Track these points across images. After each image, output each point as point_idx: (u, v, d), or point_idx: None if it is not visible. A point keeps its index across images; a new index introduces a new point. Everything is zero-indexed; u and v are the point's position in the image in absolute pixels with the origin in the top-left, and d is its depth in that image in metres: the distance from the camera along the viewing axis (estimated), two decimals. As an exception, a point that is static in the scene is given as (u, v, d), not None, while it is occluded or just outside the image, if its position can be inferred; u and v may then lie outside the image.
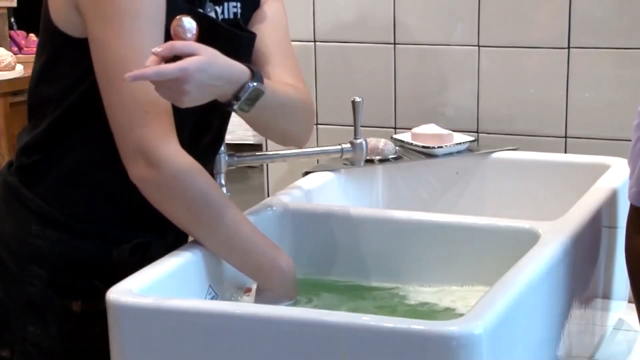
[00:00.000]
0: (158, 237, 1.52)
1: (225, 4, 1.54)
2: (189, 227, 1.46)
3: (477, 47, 2.25)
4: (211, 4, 1.51)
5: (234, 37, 1.53)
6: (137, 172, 1.39)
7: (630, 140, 1.53)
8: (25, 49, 4.42)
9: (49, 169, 1.49)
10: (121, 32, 1.35)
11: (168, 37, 1.34)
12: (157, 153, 1.37)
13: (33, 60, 1.53)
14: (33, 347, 1.50)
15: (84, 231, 1.49)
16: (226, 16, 1.54)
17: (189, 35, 1.31)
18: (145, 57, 1.29)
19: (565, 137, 2.22)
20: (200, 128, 1.54)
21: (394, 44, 2.32)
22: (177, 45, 1.29)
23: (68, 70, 1.46)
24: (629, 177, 1.52)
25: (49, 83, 1.48)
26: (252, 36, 1.56)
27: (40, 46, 1.51)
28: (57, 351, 1.50)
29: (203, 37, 1.44)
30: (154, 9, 1.38)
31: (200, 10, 1.48)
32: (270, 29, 1.60)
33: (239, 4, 1.56)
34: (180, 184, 1.39)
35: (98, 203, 1.50)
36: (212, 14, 1.51)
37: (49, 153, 1.48)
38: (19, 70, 3.93)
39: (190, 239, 1.53)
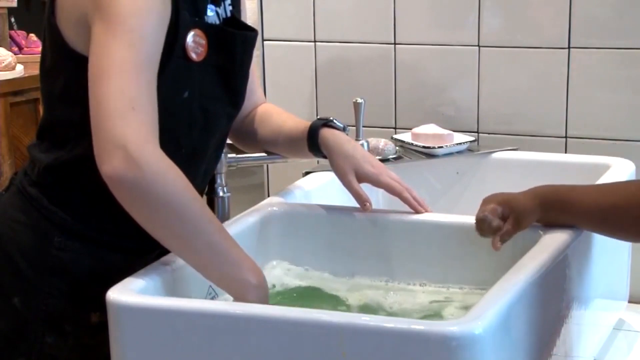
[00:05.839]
0: None
1: (223, 3, 1.55)
2: (158, 231, 1.38)
3: (477, 47, 2.25)
4: (212, 5, 1.51)
5: (243, 39, 1.55)
6: (113, 168, 1.31)
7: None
8: (25, 49, 4.41)
9: (74, 185, 1.48)
10: (124, 36, 1.34)
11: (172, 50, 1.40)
12: (140, 151, 1.31)
13: (38, 68, 1.49)
14: (50, 358, 1.49)
15: (108, 243, 1.49)
16: (225, 15, 1.55)
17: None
18: (142, 61, 1.33)
19: (566, 137, 2.22)
20: (212, 130, 1.55)
21: (394, 44, 2.32)
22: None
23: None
24: None
25: (71, 106, 1.45)
26: (255, 34, 1.58)
27: (54, 68, 1.48)
28: None
29: (216, 46, 1.46)
30: (158, 22, 1.38)
31: (211, 23, 1.50)
32: None
33: (230, 0, 1.57)
34: (158, 184, 1.33)
35: (123, 216, 1.49)
36: (215, 17, 1.51)
37: (75, 170, 1.47)
38: (19, 71, 3.92)
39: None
